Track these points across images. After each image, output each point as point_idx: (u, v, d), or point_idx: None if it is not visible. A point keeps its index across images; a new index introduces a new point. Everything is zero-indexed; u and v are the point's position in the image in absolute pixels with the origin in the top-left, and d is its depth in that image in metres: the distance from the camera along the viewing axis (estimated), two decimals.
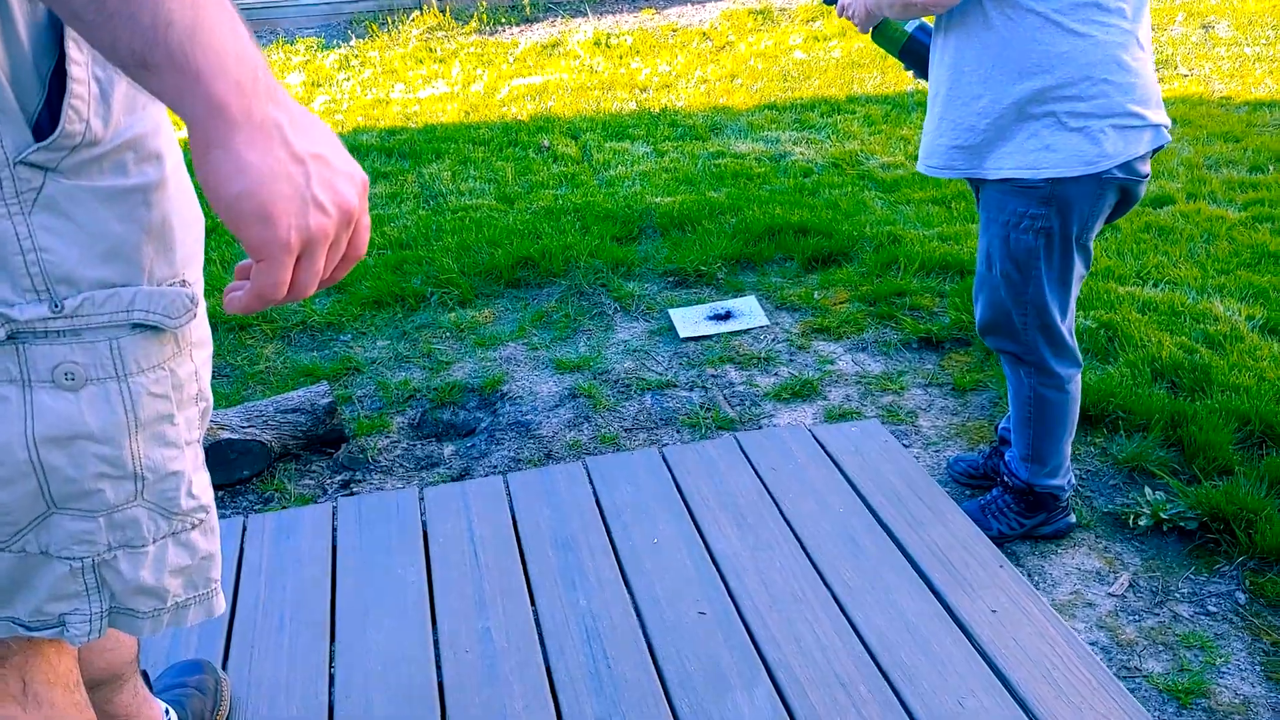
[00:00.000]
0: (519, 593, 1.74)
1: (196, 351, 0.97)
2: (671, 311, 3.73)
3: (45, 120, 0.80)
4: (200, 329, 0.98)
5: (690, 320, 3.67)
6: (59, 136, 0.79)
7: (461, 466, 3.01)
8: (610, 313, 3.80)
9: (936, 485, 1.90)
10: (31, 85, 0.79)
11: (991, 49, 2.00)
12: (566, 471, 2.00)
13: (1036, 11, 1.93)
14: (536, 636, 1.67)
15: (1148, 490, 2.54)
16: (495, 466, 3.01)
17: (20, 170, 0.79)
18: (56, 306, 0.83)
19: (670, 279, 4.00)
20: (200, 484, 1.01)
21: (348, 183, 0.78)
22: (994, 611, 1.58)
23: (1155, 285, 3.59)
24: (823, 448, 2.03)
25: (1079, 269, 2.17)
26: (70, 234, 0.83)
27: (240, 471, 2.97)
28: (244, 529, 1.95)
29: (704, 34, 8.64)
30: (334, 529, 1.94)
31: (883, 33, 2.24)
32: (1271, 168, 4.72)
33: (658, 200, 4.68)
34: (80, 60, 0.80)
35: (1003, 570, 1.68)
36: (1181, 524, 2.44)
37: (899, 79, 6.69)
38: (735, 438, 2.08)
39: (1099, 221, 2.11)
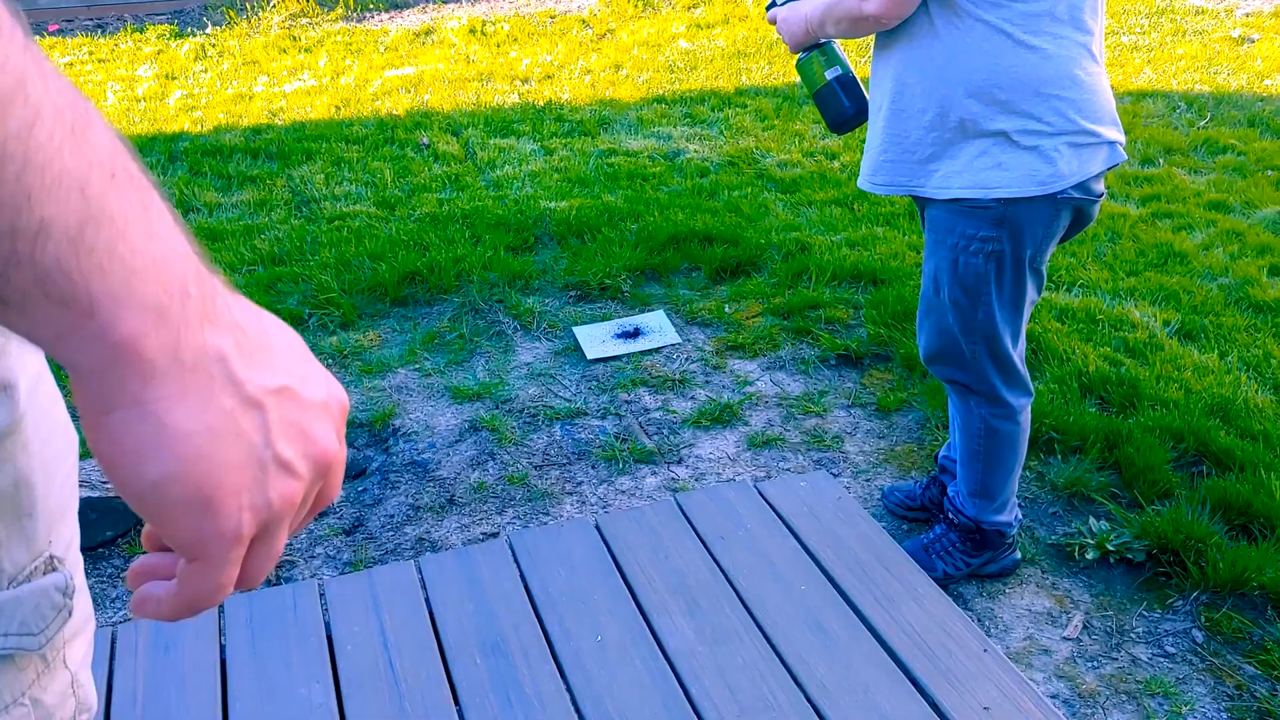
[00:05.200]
0: (444, 711, 1.49)
1: (74, 648, 0.64)
2: (576, 330, 3.49)
3: None
4: (78, 610, 0.64)
5: (597, 339, 3.44)
6: None
7: (354, 516, 2.72)
8: (509, 332, 3.54)
9: (902, 552, 1.73)
10: None
11: (938, 60, 1.83)
12: (487, 553, 1.75)
13: (985, 21, 1.77)
14: None
15: (1091, 520, 2.44)
16: (392, 516, 2.73)
17: None
18: None
19: (572, 293, 3.75)
20: None
21: (322, 419, 0.50)
22: (986, 709, 1.42)
23: (1069, 290, 3.53)
24: (772, 508, 1.83)
25: (1031, 294, 2.04)
26: None
27: (102, 533, 2.63)
28: (113, 643, 1.64)
29: (584, 21, 8.36)
30: (221, 642, 1.65)
31: (806, 67, 2.05)
32: (1162, 160, 4.75)
33: (552, 205, 4.42)
34: None
35: (987, 655, 1.51)
36: (1129, 555, 2.35)
37: (788, 70, 6.56)
38: (676, 500, 1.86)
39: (1053, 244, 1.98)
